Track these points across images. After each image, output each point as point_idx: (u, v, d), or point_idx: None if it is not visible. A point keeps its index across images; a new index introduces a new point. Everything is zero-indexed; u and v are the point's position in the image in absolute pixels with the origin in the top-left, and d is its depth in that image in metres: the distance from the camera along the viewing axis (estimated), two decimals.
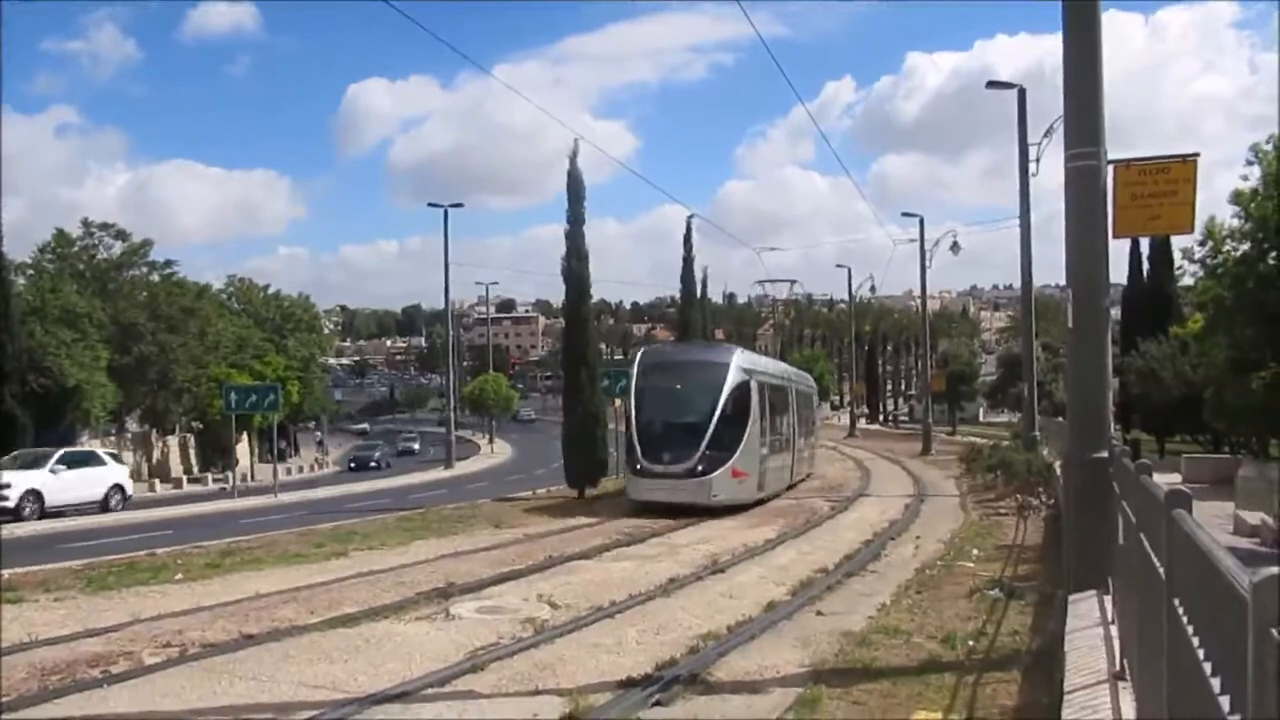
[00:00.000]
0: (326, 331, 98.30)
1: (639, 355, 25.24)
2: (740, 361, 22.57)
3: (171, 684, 7.52)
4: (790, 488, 26.41)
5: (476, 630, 9.43)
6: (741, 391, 21.63)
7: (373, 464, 57.88)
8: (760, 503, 22.22)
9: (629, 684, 7.45)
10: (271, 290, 74.92)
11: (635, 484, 21.71)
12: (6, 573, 13.49)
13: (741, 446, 21.14)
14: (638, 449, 21.32)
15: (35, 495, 25.00)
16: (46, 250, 52.85)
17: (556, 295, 53.93)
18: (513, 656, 8.39)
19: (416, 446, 75.24)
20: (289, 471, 53.82)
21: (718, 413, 21.00)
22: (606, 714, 6.70)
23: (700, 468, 20.56)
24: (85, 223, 54.77)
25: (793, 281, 37.15)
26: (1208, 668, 2.50)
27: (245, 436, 54.42)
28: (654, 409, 22.05)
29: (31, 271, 50.07)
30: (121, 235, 55.26)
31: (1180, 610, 3.20)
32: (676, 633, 9.33)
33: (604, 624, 9.83)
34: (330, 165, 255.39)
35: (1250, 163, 22.26)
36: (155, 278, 56.58)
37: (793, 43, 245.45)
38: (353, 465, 59.37)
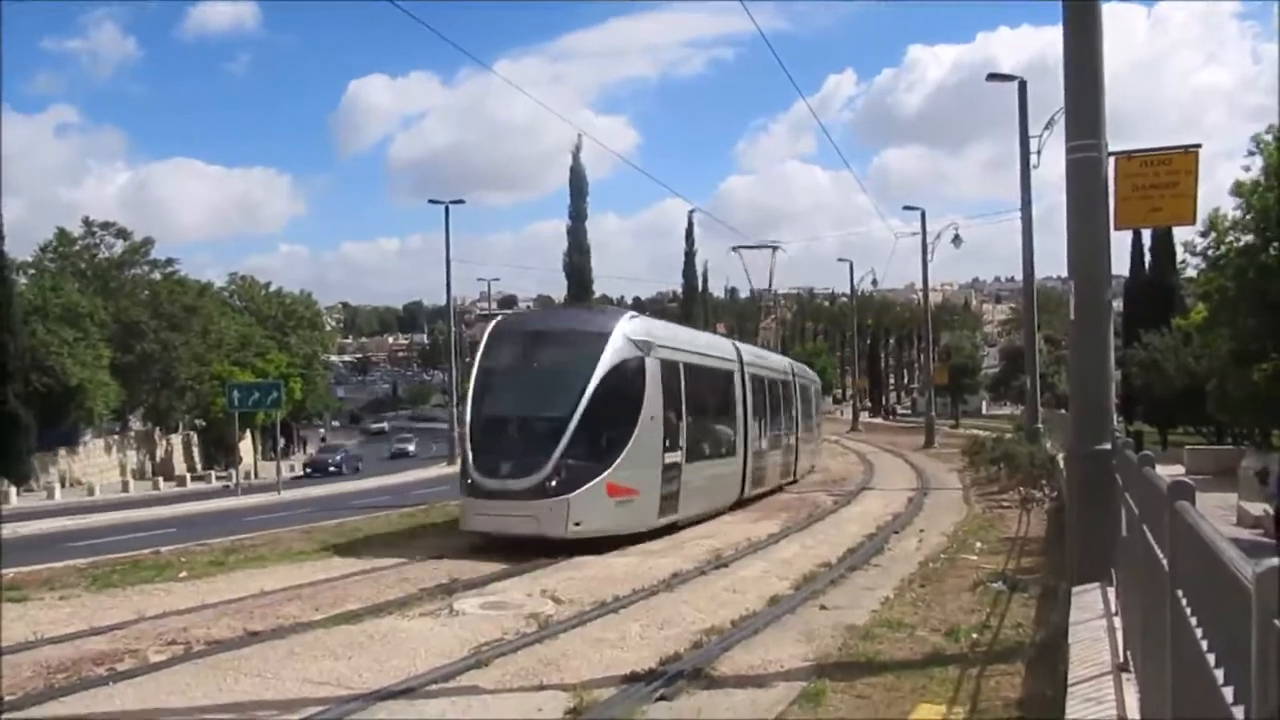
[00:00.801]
0: (328, 329, 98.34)
1: (489, 327, 17.78)
2: (630, 330, 15.75)
3: (177, 681, 7.53)
4: (777, 490, 23.83)
5: (480, 626, 9.44)
6: (628, 372, 15.32)
7: (331, 468, 49.20)
8: (673, 529, 16.43)
9: (633, 679, 7.46)
10: (273, 288, 75.03)
11: (468, 508, 15.35)
12: (12, 571, 13.51)
13: (626, 451, 14.96)
14: (469, 457, 15.42)
15: None
16: (48, 249, 52.95)
17: (558, 291, 53.84)
18: (517, 652, 8.41)
19: (412, 449, 68.06)
20: (247, 476, 46.00)
21: (584, 402, 14.64)
22: (611, 709, 6.70)
23: (552, 482, 14.26)
24: (86, 221, 54.90)
25: (775, 247, 33.98)
26: (1211, 659, 2.50)
27: (248, 434, 54.53)
28: (497, 400, 15.74)
29: (33, 271, 50.16)
30: (123, 234, 55.35)
31: (1184, 602, 3.20)
32: (680, 627, 9.34)
33: (607, 619, 9.84)
34: (330, 162, 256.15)
35: (1251, 153, 22.26)
36: (157, 276, 56.67)
37: (793, 37, 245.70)
38: (309, 470, 49.24)
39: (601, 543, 14.26)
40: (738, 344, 23.02)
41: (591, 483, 14.48)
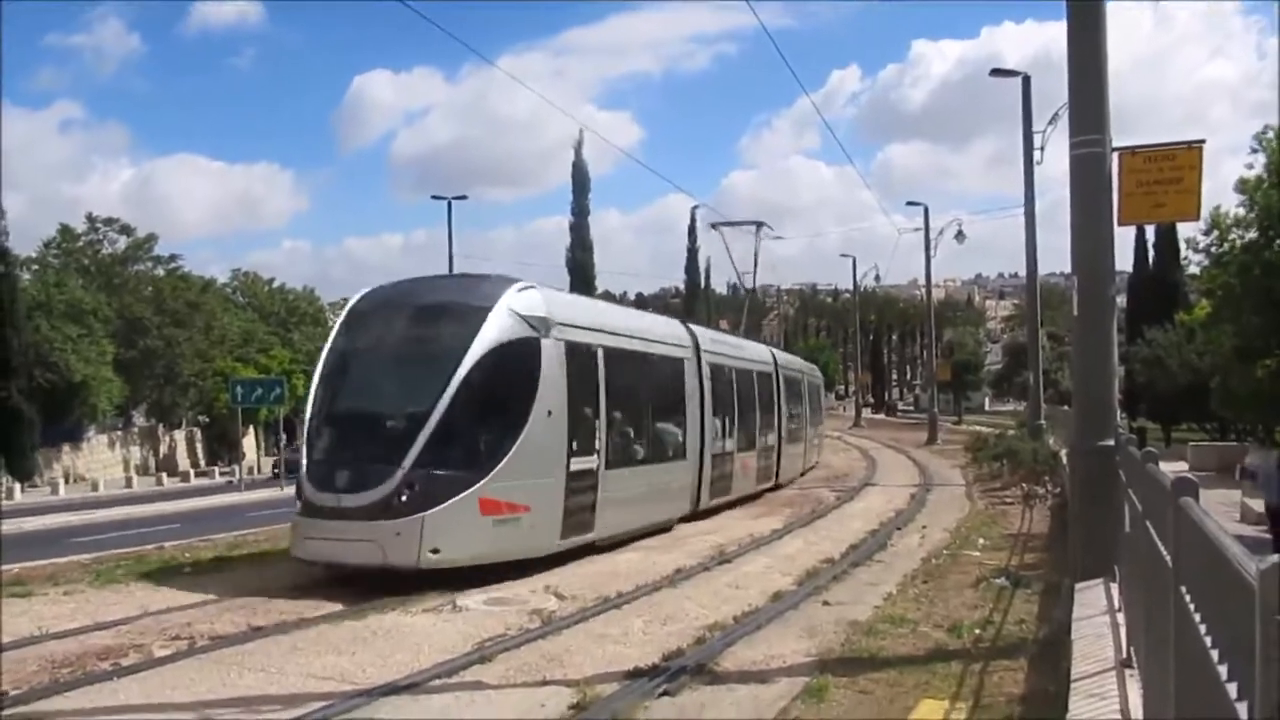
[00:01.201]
0: (331, 324, 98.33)
1: (352, 300, 14.03)
2: (519, 304, 12.42)
3: (181, 676, 7.55)
4: (752, 498, 21.20)
5: (484, 622, 9.45)
6: (514, 356, 12.14)
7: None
8: (591, 551, 13.41)
9: (636, 674, 7.46)
10: (276, 284, 75.05)
11: (299, 530, 12.02)
12: (16, 567, 13.55)
13: (510, 456, 11.79)
14: (303, 465, 12.40)
15: None
16: (51, 245, 53.03)
17: (560, 286, 53.86)
18: (520, 647, 8.41)
19: None
20: (251, 472, 42.67)
21: (449, 394, 11.44)
22: (614, 704, 6.71)
23: (401, 497, 11.09)
24: (90, 218, 54.95)
25: (759, 224, 30.02)
26: (1215, 655, 2.51)
27: (251, 430, 54.59)
28: (343, 393, 12.71)
29: (37, 267, 50.24)
30: (126, 230, 55.42)
31: (1187, 598, 3.20)
32: (683, 623, 9.34)
33: (611, 615, 9.84)
34: (333, 158, 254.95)
35: (1254, 150, 22.26)
36: (160, 272, 56.74)
37: (797, 32, 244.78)
38: (276, 472, 40.37)
39: (486, 571, 11.37)
40: (695, 328, 19.52)
41: (456, 497, 11.26)
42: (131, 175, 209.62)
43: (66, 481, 41.94)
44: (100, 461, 48.68)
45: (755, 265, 29.65)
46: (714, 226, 31.34)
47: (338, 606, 10.27)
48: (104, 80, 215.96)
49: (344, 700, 6.86)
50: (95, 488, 39.65)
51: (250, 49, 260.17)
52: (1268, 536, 13.35)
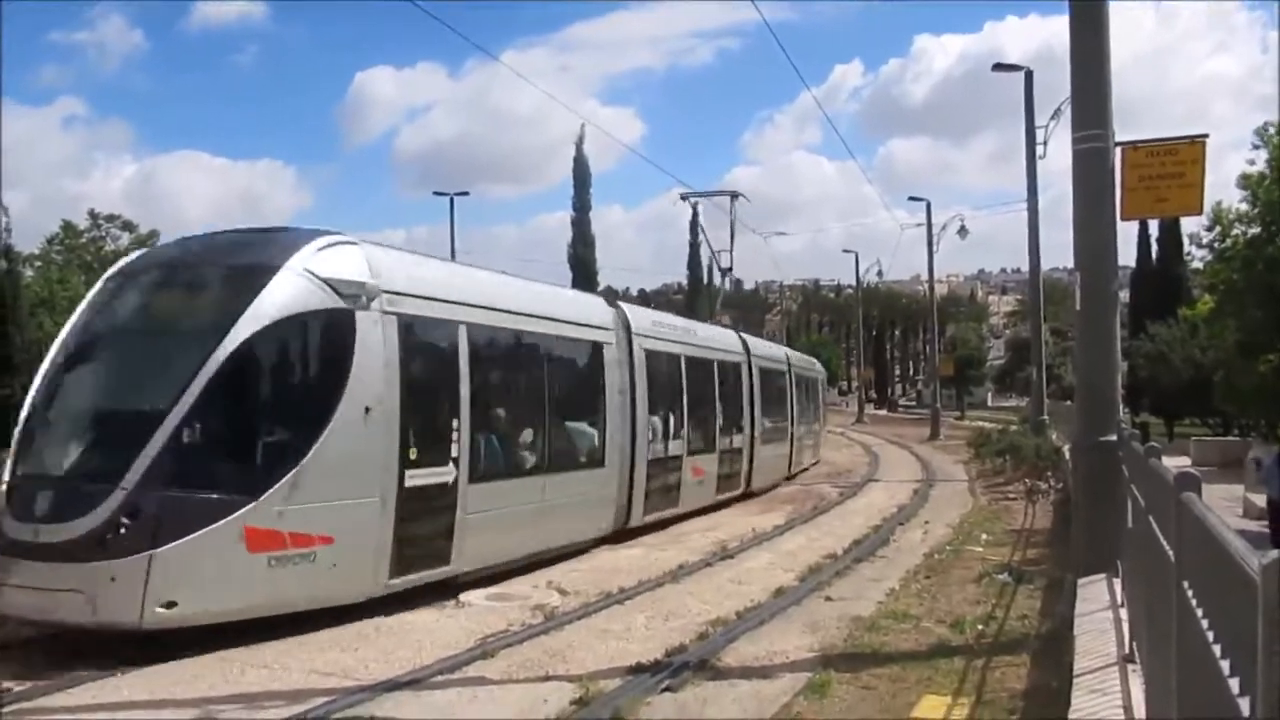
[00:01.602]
0: None
1: (111, 269, 10.72)
2: (322, 265, 9.34)
3: (183, 673, 7.55)
4: (714, 508, 18.50)
5: (486, 618, 9.46)
6: (309, 332, 9.44)
7: None
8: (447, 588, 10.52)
9: (638, 670, 7.48)
10: None
11: None
12: None
13: (298, 470, 8.71)
14: (6, 479, 8.88)
15: None
16: (54, 242, 53.04)
17: (563, 282, 53.91)
18: (522, 643, 8.43)
19: None
20: None
21: (204, 382, 8.44)
22: (616, 700, 6.71)
23: (119, 529, 7.98)
24: (92, 214, 54.89)
25: (734, 195, 27.08)
26: (1217, 650, 2.50)
27: None
28: (65, 387, 9.48)
29: (39, 263, 50.27)
30: (128, 226, 55.31)
31: (1189, 593, 3.20)
32: (685, 619, 9.35)
33: (613, 610, 9.86)
34: (336, 155, 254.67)
35: (1256, 146, 22.26)
36: None
37: (800, 27, 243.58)
38: None
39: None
40: (628, 307, 16.42)
41: (207, 527, 8.19)
42: (134, 172, 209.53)
43: None
44: None
45: (731, 238, 27.22)
46: (684, 198, 28.54)
47: None
48: (107, 77, 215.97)
49: (346, 696, 6.87)
50: None
51: (253, 45, 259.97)
52: (1271, 531, 13.36)
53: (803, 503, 20.21)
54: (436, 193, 48.82)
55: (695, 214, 34.50)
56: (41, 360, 10.11)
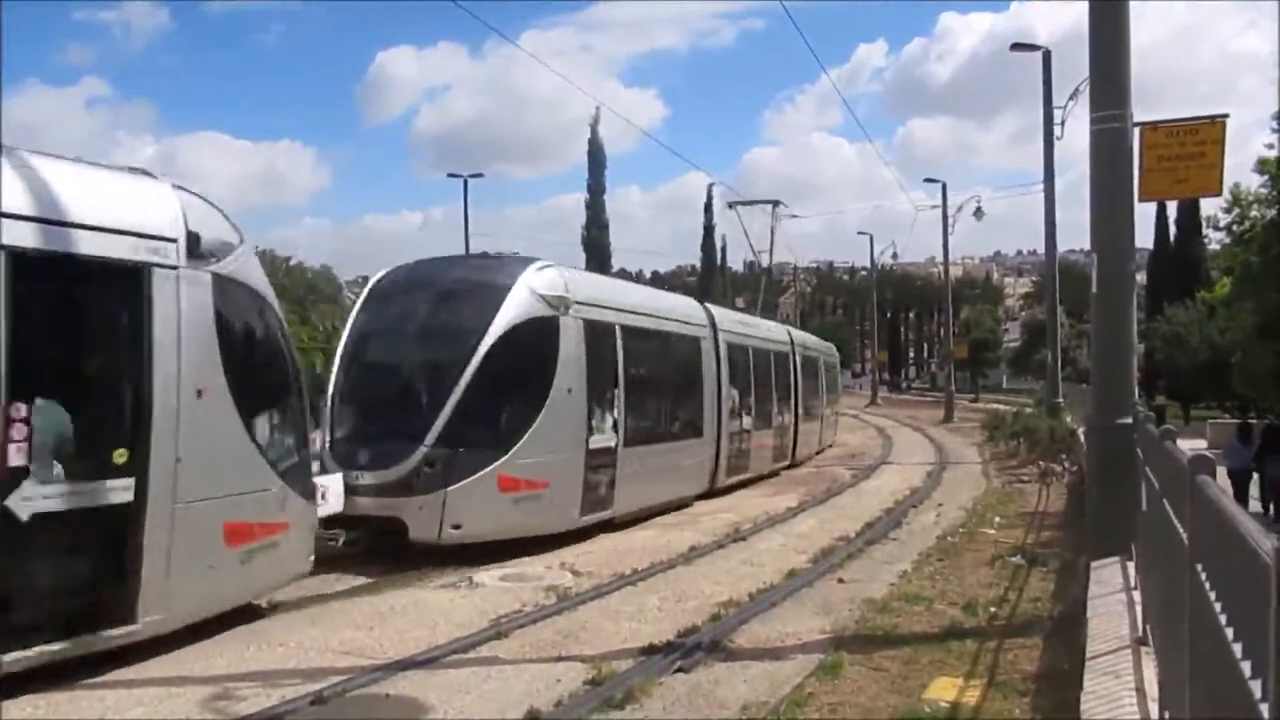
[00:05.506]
0: (349, 303, 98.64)
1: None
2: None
3: (199, 652, 7.62)
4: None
5: (500, 598, 9.51)
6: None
7: None
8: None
9: (651, 651, 7.52)
10: (294, 262, 75.20)
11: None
12: None
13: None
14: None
15: None
16: None
17: (577, 264, 53.94)
18: (536, 624, 8.47)
19: None
20: None
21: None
22: (629, 680, 6.75)
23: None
24: None
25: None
26: (1230, 633, 2.50)
27: None
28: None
29: None
30: None
31: (1203, 576, 3.19)
32: (698, 600, 9.38)
33: (626, 591, 9.90)
34: (356, 135, 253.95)
35: (1276, 130, 22.04)
36: None
37: (825, 6, 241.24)
38: None
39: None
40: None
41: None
42: (154, 152, 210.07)
43: None
44: None
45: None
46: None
47: (357, 582, 10.36)
48: (132, 56, 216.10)
49: (362, 674, 6.93)
50: None
51: (278, 25, 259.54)
52: (1234, 498, 13.42)
53: (816, 484, 20.22)
54: (450, 175, 48.80)
55: (710, 202, 36.49)
56: None
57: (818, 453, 27.03)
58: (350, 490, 11.13)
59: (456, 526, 11.39)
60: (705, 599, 9.41)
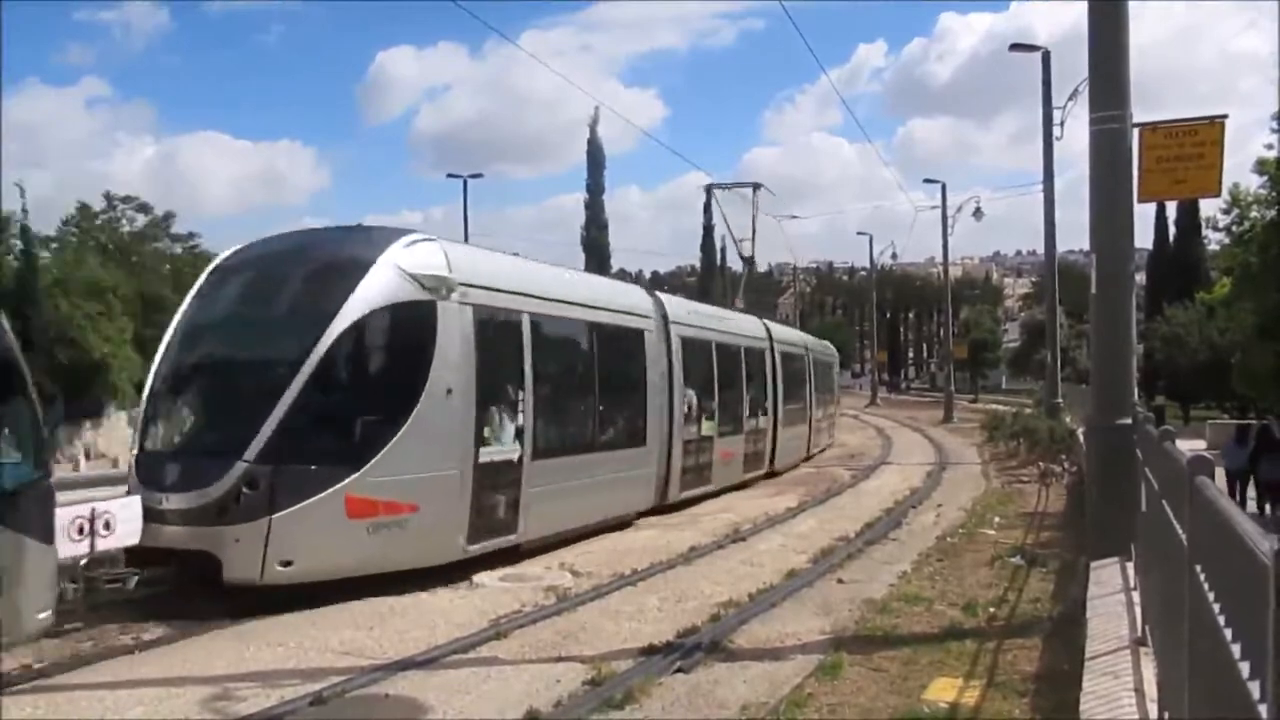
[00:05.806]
0: None
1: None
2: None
3: (200, 651, 7.64)
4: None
5: (500, 598, 9.51)
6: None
7: None
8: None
9: (651, 651, 7.52)
10: None
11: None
12: None
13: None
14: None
15: None
16: (70, 223, 53.27)
17: (576, 265, 53.92)
18: (535, 624, 8.48)
19: None
20: None
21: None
22: (628, 680, 6.75)
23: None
24: (107, 196, 55.11)
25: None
26: (1229, 634, 2.50)
27: None
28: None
29: (56, 244, 50.52)
30: (144, 208, 55.51)
31: (1202, 577, 3.19)
32: (698, 600, 9.38)
33: (626, 592, 9.90)
34: (356, 135, 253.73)
35: (1275, 130, 22.08)
36: (178, 250, 56.89)
37: (825, 5, 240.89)
38: None
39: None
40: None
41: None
42: (154, 153, 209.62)
43: (87, 458, 42.27)
44: (120, 439, 48.98)
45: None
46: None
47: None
48: (132, 57, 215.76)
49: (362, 674, 6.93)
50: (115, 464, 39.95)
51: (278, 25, 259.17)
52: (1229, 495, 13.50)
53: (815, 485, 20.22)
54: (450, 175, 48.80)
55: (710, 202, 35.36)
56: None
57: (806, 459, 25.48)
58: (153, 517, 9.04)
59: (286, 564, 9.09)
60: (705, 599, 9.41)
